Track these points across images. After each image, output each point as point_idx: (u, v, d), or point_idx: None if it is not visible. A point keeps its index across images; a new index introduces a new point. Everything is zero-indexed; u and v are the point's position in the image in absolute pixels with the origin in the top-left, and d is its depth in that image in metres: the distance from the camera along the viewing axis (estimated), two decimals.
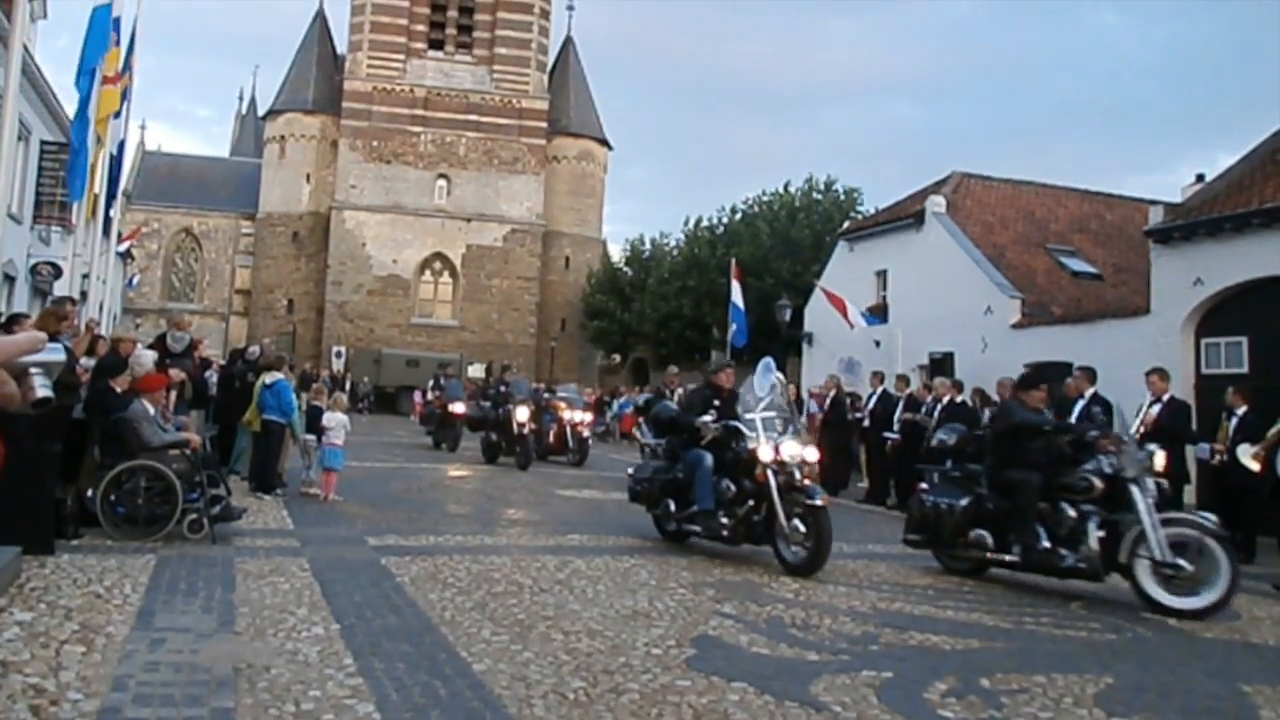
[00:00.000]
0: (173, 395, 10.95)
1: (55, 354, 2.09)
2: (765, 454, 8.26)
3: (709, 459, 8.73)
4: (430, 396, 26.68)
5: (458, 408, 20.87)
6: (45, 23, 20.52)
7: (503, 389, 18.58)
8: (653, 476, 9.48)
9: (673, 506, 9.11)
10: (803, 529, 7.98)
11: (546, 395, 20.75)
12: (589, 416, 20.32)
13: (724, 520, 8.48)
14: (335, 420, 11.66)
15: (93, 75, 12.49)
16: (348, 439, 11.97)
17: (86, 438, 8.22)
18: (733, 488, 8.52)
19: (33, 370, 2.00)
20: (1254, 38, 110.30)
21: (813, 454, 8.48)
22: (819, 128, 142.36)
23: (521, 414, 17.47)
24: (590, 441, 19.98)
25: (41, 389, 2.02)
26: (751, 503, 8.37)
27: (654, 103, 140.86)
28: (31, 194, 20.50)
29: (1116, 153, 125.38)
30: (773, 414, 8.63)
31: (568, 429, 19.31)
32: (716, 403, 9.17)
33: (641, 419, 15.23)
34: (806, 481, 8.22)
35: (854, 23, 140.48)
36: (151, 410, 8.41)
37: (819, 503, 7.99)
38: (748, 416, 8.62)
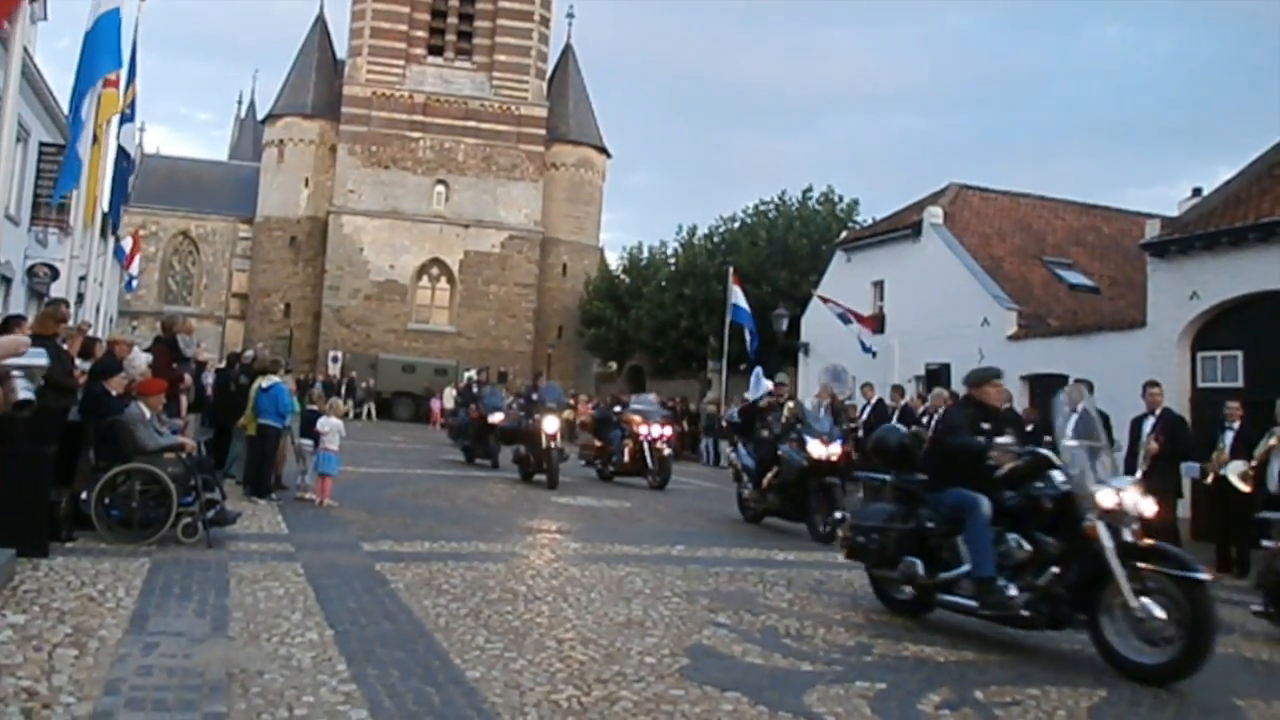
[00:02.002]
0: (183, 400, 10.98)
1: (37, 358, 2.10)
2: (1105, 499, 5.86)
3: (985, 504, 6.31)
4: (451, 404, 23.94)
5: (497, 418, 18.64)
6: (45, 24, 20.50)
7: (534, 396, 16.46)
8: (885, 525, 7.04)
9: (920, 568, 6.65)
10: (1160, 614, 5.51)
11: (618, 408, 18.75)
12: (669, 431, 17.55)
13: (1013, 593, 6.05)
14: (330, 425, 11.64)
15: (94, 81, 12.49)
16: (343, 444, 11.95)
17: (82, 440, 8.20)
18: (1025, 545, 6.13)
19: (14, 373, 2.02)
20: (1256, 52, 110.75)
21: (1151, 506, 6.09)
22: (819, 137, 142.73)
23: (550, 424, 15.36)
24: (671, 458, 17.38)
25: (23, 391, 2.04)
26: (1055, 569, 5.99)
27: (655, 111, 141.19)
28: (29, 196, 20.48)
29: (1117, 166, 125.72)
30: (1080, 443, 6.23)
31: (645, 446, 16.82)
32: (985, 425, 6.80)
33: (739, 439, 13.39)
34: (1149, 542, 5.87)
35: (856, 33, 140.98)
36: (148, 414, 8.40)
37: (1201, 576, 5.49)
38: (1067, 443, 6.22)
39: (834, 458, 11.24)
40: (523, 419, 16.47)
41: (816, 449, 11.29)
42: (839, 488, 11.02)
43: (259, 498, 11.10)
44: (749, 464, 12.55)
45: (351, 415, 38.65)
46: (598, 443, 17.90)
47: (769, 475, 11.91)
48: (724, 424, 16.30)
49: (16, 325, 7.87)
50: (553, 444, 15.25)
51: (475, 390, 21.01)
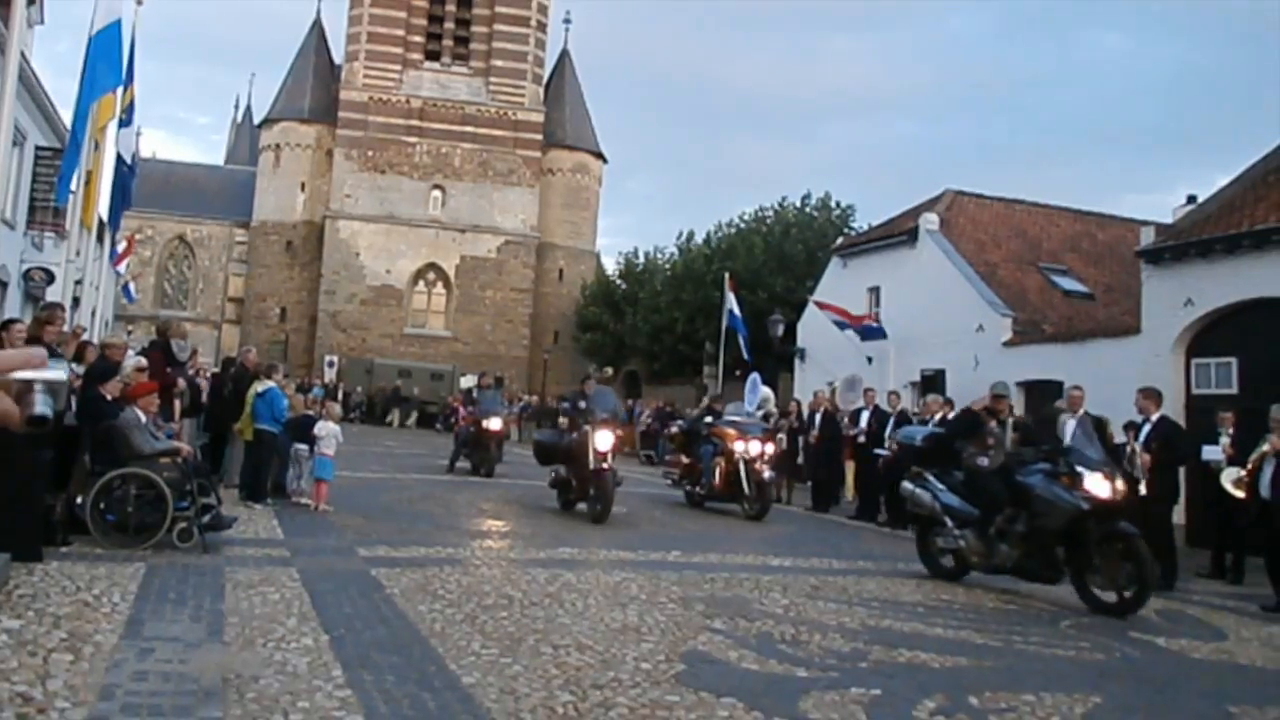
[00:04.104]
0: (176, 404, 10.97)
1: (58, 372, 2.07)
2: None
3: None
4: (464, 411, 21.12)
5: (493, 424, 17.35)
6: (42, 28, 20.54)
7: (580, 404, 13.05)
8: None
9: None
10: None
11: (709, 419, 15.44)
12: (770, 448, 14.41)
13: None
14: (327, 430, 11.62)
15: (98, 95, 12.53)
16: (339, 449, 11.93)
17: (77, 444, 8.19)
18: None
19: (36, 387, 2.00)
20: (1254, 60, 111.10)
21: None
22: (818, 143, 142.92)
23: (603, 440, 12.15)
24: (774, 484, 14.32)
25: (41, 406, 2.01)
26: None
27: (652, 116, 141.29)
28: (26, 199, 20.49)
29: (1116, 172, 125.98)
30: None
31: (741, 466, 13.94)
32: None
33: (927, 470, 9.79)
34: None
35: (855, 39, 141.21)
36: (143, 418, 8.40)
37: None
38: None
39: (1118, 497, 8.40)
40: (563, 433, 13.46)
41: (1099, 486, 8.27)
42: (1139, 540, 8.08)
43: (255, 502, 11.10)
44: (952, 503, 9.25)
45: (398, 423, 39.12)
46: (685, 460, 15.28)
47: (999, 520, 8.78)
48: (894, 447, 11.70)
49: (10, 330, 7.88)
50: (604, 464, 12.11)
51: (475, 394, 19.39)
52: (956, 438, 9.88)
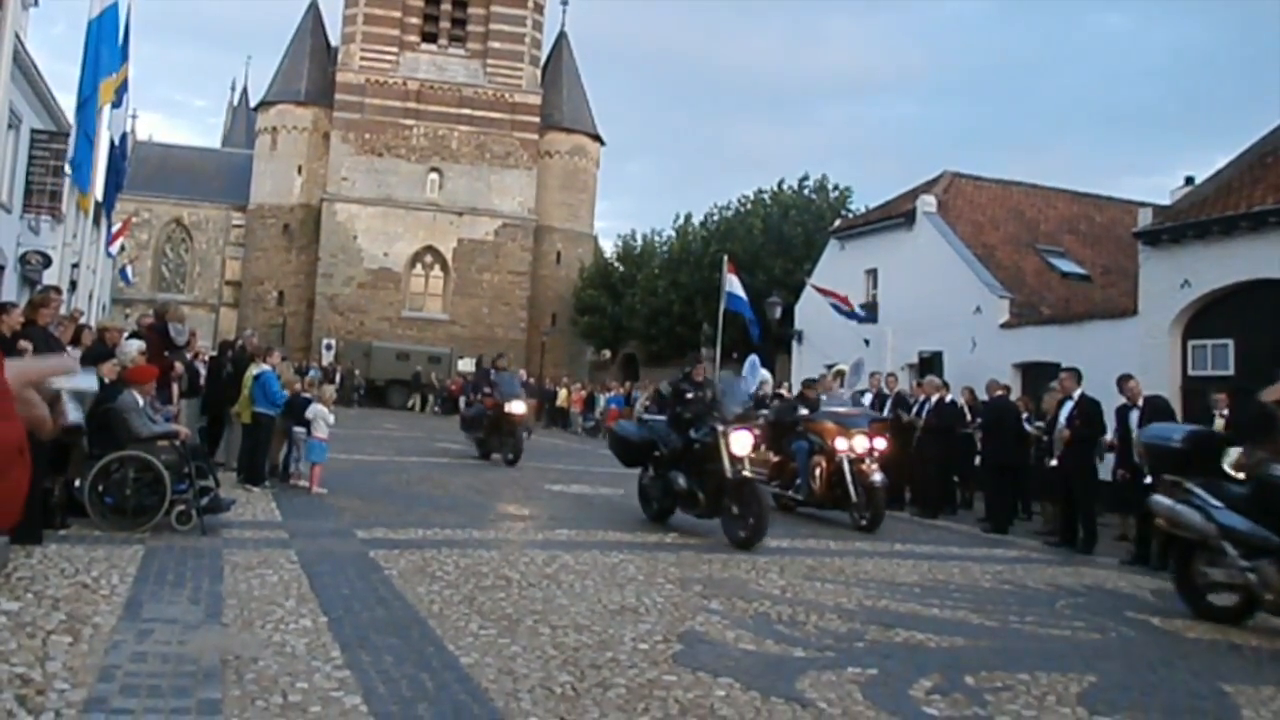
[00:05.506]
0: (175, 388, 10.96)
1: (88, 381, 2.09)
2: None
3: None
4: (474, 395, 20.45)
5: (516, 407, 16.88)
6: (37, 11, 20.41)
7: (691, 394, 10.43)
8: None
9: None
10: None
11: (803, 411, 13.08)
12: (882, 444, 12.03)
13: None
14: (315, 412, 11.60)
15: (100, 80, 12.50)
16: (333, 432, 11.91)
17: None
18: None
19: (65, 395, 2.02)
20: (1254, 41, 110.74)
21: None
22: (816, 126, 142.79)
23: (740, 443, 9.47)
24: (881, 487, 11.49)
25: (74, 414, 2.02)
26: None
27: (650, 99, 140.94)
28: (21, 183, 20.43)
29: (1115, 154, 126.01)
30: None
31: (845, 466, 11.60)
32: None
33: (1187, 480, 7.61)
34: None
35: (855, 21, 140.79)
36: (141, 401, 8.40)
37: None
38: None
39: None
40: (663, 429, 10.51)
41: None
42: None
43: (253, 485, 11.11)
44: (1236, 525, 7.09)
45: (423, 409, 39.46)
46: (774, 457, 12.77)
47: None
48: (1141, 450, 9.19)
49: (6, 313, 7.86)
50: (742, 471, 9.46)
51: (491, 376, 18.33)
52: (1241, 439, 7.91)
